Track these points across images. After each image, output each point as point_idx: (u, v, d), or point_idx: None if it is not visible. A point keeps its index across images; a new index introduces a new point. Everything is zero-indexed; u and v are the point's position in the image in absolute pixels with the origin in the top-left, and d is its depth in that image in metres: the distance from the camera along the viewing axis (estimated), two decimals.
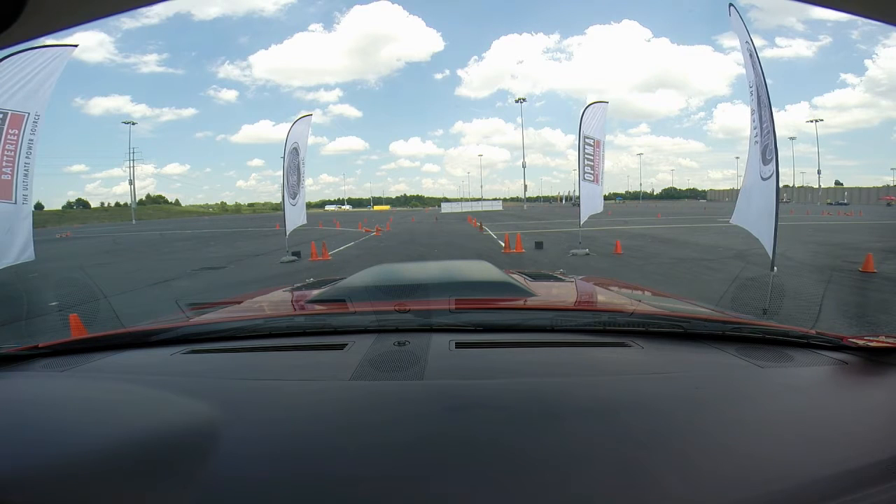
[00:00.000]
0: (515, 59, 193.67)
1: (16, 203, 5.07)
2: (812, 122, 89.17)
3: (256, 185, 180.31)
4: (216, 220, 56.53)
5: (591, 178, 10.79)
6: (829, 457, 0.57)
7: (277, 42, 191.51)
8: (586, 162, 10.65)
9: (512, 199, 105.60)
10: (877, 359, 0.85)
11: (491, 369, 0.85)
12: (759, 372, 0.82)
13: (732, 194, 74.69)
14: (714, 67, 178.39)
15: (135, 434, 0.63)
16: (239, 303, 1.69)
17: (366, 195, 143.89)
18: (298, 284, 2.10)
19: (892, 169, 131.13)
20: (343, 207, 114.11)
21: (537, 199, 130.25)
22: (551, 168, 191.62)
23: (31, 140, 5.13)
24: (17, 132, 5.00)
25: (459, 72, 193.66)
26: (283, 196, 11.30)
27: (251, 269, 10.14)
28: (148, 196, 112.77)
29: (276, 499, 0.51)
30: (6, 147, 4.93)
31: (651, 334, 0.99)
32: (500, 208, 63.80)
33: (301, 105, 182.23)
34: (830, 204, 62.02)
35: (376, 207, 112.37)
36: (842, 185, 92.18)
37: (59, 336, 1.18)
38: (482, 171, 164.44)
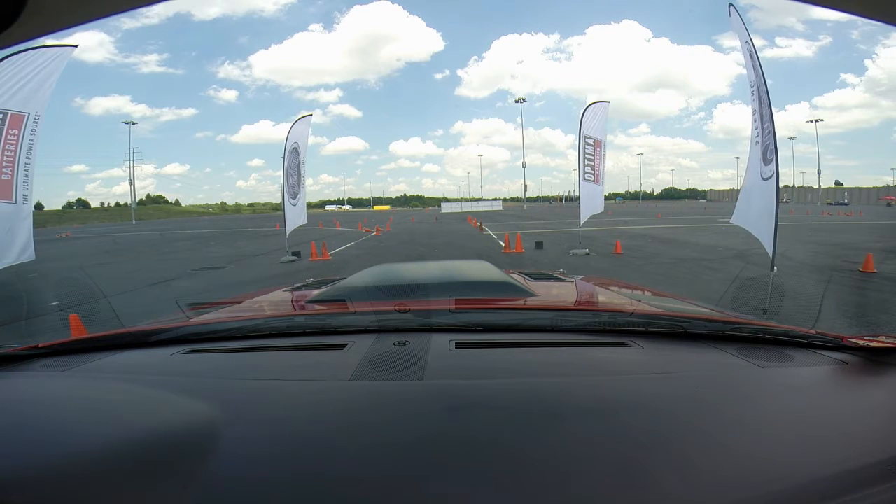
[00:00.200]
0: (515, 59, 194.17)
1: (16, 203, 5.07)
2: (812, 122, 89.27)
3: (256, 185, 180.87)
4: (216, 220, 56.52)
5: (592, 178, 10.79)
6: (829, 457, 0.57)
7: (277, 42, 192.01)
8: (587, 162, 10.65)
9: (512, 199, 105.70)
10: (877, 359, 0.85)
11: (491, 369, 0.85)
12: (759, 372, 0.81)
13: (732, 194, 74.77)
14: (714, 67, 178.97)
15: (135, 434, 0.63)
16: (239, 303, 1.69)
17: (366, 195, 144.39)
18: (298, 284, 2.10)
19: (893, 169, 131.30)
20: (343, 207, 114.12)
21: (537, 199, 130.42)
22: (551, 168, 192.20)
23: (32, 140, 5.13)
24: (17, 132, 5.00)
25: (459, 72, 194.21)
26: (284, 196, 11.30)
27: (251, 269, 10.14)
28: (148, 196, 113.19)
29: (276, 499, 0.51)
30: (6, 147, 4.93)
31: (651, 334, 0.99)
32: (500, 208, 63.75)
33: (301, 105, 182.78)
34: (830, 204, 61.99)
35: (376, 207, 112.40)
36: (842, 185, 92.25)
37: (59, 336, 1.18)
38: (482, 171, 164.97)
